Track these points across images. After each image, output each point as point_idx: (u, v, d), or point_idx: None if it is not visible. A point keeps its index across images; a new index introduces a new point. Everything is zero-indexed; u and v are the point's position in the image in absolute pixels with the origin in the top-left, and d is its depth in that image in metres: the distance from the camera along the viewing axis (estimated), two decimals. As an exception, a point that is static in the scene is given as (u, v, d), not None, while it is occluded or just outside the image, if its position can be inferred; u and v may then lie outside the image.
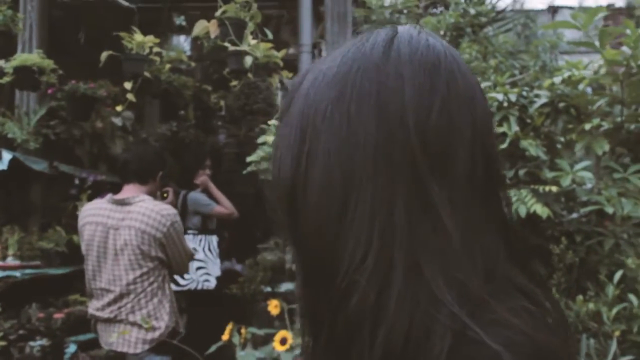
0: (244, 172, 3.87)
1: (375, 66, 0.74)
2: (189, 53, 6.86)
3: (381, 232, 0.69)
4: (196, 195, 5.92)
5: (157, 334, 3.66)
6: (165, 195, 4.67)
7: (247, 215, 6.16)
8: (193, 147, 6.17)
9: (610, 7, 4.21)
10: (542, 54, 6.81)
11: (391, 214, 0.70)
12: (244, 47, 3.84)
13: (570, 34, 7.19)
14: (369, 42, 0.77)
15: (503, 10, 7.21)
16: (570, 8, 8.62)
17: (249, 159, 3.79)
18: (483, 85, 4.01)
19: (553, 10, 9.51)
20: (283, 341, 3.93)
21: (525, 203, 3.58)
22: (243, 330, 4.12)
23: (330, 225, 0.72)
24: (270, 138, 3.63)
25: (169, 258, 3.74)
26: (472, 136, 0.74)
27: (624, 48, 3.80)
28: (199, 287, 5.65)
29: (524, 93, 4.05)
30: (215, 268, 5.86)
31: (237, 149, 7.36)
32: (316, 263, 0.75)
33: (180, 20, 6.86)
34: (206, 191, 5.95)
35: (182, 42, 7.41)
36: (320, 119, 0.74)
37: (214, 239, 5.95)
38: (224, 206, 5.87)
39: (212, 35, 4.00)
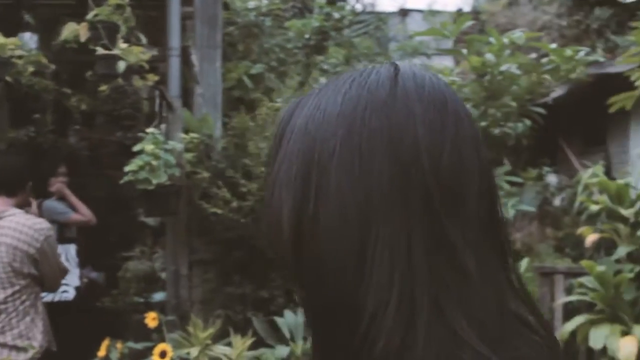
0: (121, 181, 3.73)
1: (383, 103, 0.73)
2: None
3: (402, 273, 0.68)
4: (52, 204, 5.66)
5: (29, 354, 3.45)
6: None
7: (101, 221, 5.94)
8: (50, 153, 5.87)
9: (459, 12, 4.42)
10: (400, 58, 7.02)
11: (410, 254, 0.68)
12: (115, 51, 3.68)
13: (420, 37, 7.43)
14: (372, 78, 0.75)
15: (360, 13, 7.37)
16: (420, 11, 8.94)
17: (127, 169, 3.64)
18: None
19: (403, 13, 9.84)
20: (163, 354, 3.84)
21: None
22: (119, 345, 3.98)
23: (350, 267, 0.70)
24: (149, 146, 3.51)
25: (42, 274, 3.53)
26: (480, 174, 0.74)
27: (488, 55, 4.00)
28: (56, 298, 5.39)
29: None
30: (74, 278, 5.63)
31: (89, 152, 7.09)
32: (333, 307, 0.72)
33: (28, 18, 6.47)
34: (62, 198, 5.70)
35: (28, 40, 7.00)
36: (328, 157, 0.71)
37: (72, 248, 5.73)
38: (82, 213, 5.66)
39: (83, 39, 3.82)
